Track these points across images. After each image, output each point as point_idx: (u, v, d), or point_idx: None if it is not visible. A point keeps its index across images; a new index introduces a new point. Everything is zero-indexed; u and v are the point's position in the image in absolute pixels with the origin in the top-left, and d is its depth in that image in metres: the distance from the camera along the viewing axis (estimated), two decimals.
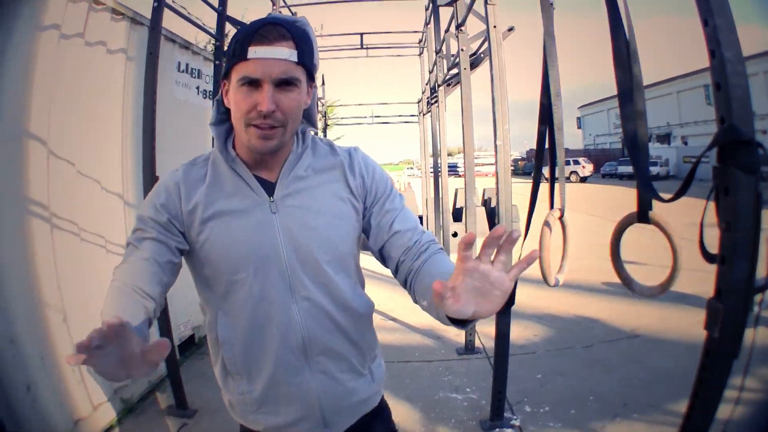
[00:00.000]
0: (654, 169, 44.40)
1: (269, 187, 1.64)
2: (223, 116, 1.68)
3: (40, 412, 3.19)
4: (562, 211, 3.19)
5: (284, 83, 1.51)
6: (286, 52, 1.51)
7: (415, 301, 1.61)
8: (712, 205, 1.91)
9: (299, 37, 1.55)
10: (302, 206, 1.64)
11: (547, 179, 3.42)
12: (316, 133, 1.88)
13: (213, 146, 1.71)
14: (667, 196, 2.29)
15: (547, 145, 3.56)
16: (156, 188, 1.66)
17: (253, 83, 1.49)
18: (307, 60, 1.56)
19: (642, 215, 2.82)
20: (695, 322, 6.18)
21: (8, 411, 2.99)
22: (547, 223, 3.29)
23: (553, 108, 3.07)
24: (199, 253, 1.61)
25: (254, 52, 1.47)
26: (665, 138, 50.16)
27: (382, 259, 1.77)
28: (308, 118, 1.72)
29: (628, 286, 3.04)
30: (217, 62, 5.87)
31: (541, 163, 3.19)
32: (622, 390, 4.94)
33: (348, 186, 1.72)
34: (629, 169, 43.74)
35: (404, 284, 1.67)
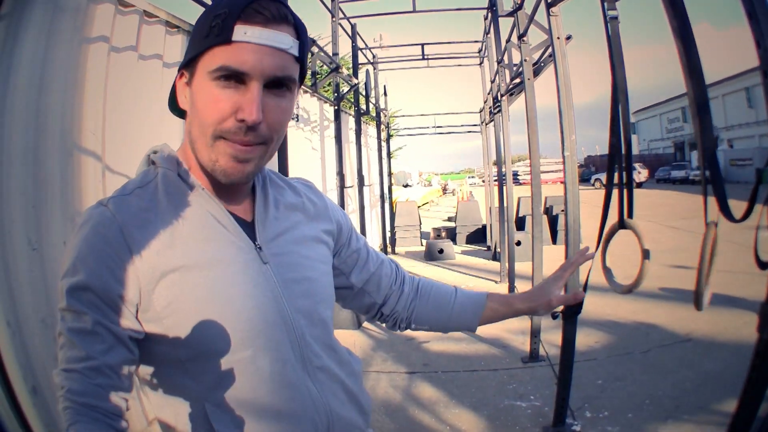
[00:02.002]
0: (677, 174, 43.93)
1: (246, 227, 1.25)
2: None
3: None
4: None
5: (277, 84, 1.12)
6: (287, 40, 1.11)
7: (408, 325, 1.64)
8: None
9: (299, 23, 1.16)
10: (293, 252, 1.30)
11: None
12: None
13: (150, 165, 1.27)
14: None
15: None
16: (83, 239, 1.10)
17: (233, 78, 1.08)
18: (305, 57, 1.19)
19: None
20: (743, 324, 6.63)
21: (53, 428, 2.96)
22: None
23: (622, 122, 3.00)
24: (168, 330, 1.12)
25: (244, 32, 1.07)
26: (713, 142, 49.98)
27: (359, 293, 1.58)
28: None
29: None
30: None
31: (612, 175, 3.14)
32: (675, 393, 5.14)
33: (319, 226, 1.42)
34: (682, 173, 43.82)
35: (396, 312, 1.62)
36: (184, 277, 1.13)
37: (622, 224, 2.92)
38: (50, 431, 2.86)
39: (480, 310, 1.62)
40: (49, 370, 2.94)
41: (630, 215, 2.92)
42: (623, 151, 3.05)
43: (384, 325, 1.69)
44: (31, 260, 2.90)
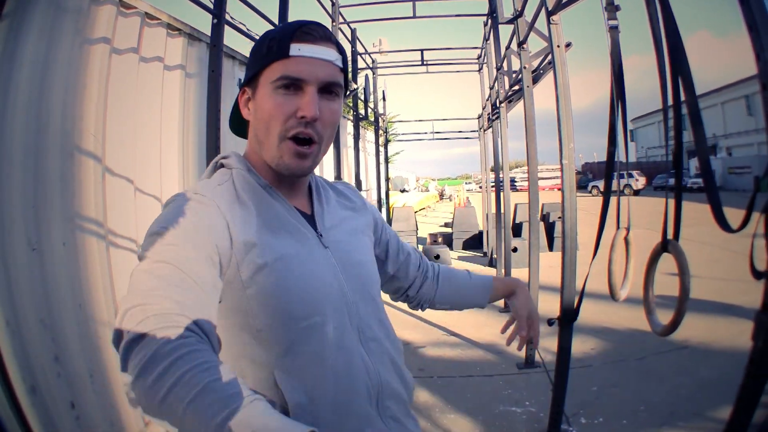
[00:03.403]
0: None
1: (307, 219, 1.44)
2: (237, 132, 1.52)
3: (85, 429, 3.16)
4: (628, 230, 3.12)
5: (328, 89, 1.35)
6: (333, 53, 1.36)
7: (432, 305, 1.94)
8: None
9: (338, 43, 1.41)
10: (346, 240, 1.50)
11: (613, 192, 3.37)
12: None
13: (219, 169, 1.45)
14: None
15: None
16: (183, 207, 1.23)
17: (293, 85, 1.31)
18: (347, 69, 1.42)
19: (665, 245, 2.74)
20: (739, 331, 6.66)
21: (51, 428, 2.96)
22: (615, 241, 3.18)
23: (621, 133, 3.02)
24: (250, 299, 1.25)
25: (298, 49, 1.31)
26: (711, 149, 49.89)
27: (391, 279, 1.85)
28: None
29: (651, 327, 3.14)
30: None
31: (610, 184, 3.15)
32: (670, 399, 5.18)
33: (362, 219, 1.65)
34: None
35: (420, 295, 1.91)
36: (265, 254, 1.28)
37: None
38: (48, 431, 2.87)
39: (488, 291, 1.94)
40: (48, 370, 2.96)
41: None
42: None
43: (408, 305, 1.96)
44: (31, 260, 2.92)
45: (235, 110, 1.50)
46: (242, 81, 1.42)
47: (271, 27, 5.95)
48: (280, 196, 1.41)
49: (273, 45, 1.32)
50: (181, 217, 1.20)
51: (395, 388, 1.48)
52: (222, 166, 1.46)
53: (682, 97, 2.41)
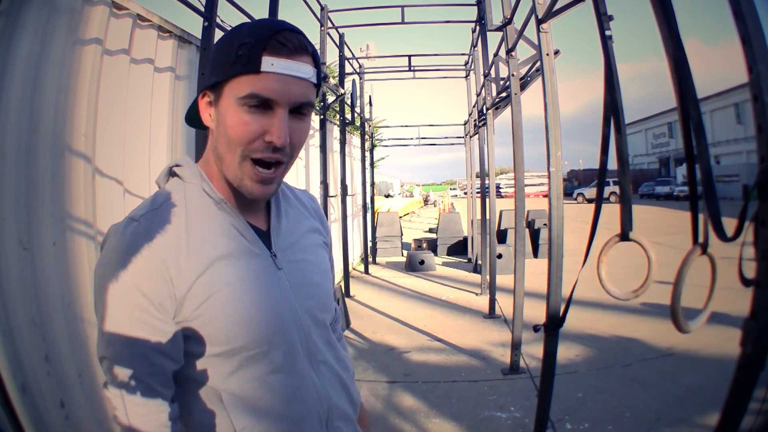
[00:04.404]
0: (662, 189, 44.11)
1: (262, 236, 1.37)
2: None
3: (75, 428, 3.15)
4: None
5: (299, 109, 1.24)
6: (309, 69, 1.24)
7: None
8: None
9: (315, 52, 1.28)
10: (302, 260, 1.43)
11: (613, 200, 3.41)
12: None
13: (172, 177, 1.37)
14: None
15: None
16: (123, 271, 1.17)
17: (261, 104, 1.20)
18: (321, 83, 1.31)
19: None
20: (725, 339, 6.55)
21: (41, 427, 2.95)
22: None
23: (622, 140, 3.06)
24: (197, 330, 1.23)
25: (271, 64, 1.17)
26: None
27: None
28: None
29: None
30: None
31: (602, 192, 3.18)
32: (655, 406, 5.21)
33: (320, 233, 1.58)
34: (666, 188, 44.20)
35: None
36: (212, 283, 1.22)
37: (624, 237, 2.92)
38: (39, 429, 2.86)
39: None
40: (38, 369, 2.95)
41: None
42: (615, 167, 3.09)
43: None
44: (22, 260, 2.91)
45: (194, 107, 1.38)
46: (203, 79, 1.33)
47: None
48: (235, 211, 1.33)
49: (242, 54, 1.18)
50: (119, 290, 1.17)
51: (344, 408, 1.46)
52: (175, 174, 1.37)
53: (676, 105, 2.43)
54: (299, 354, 1.34)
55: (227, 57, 1.21)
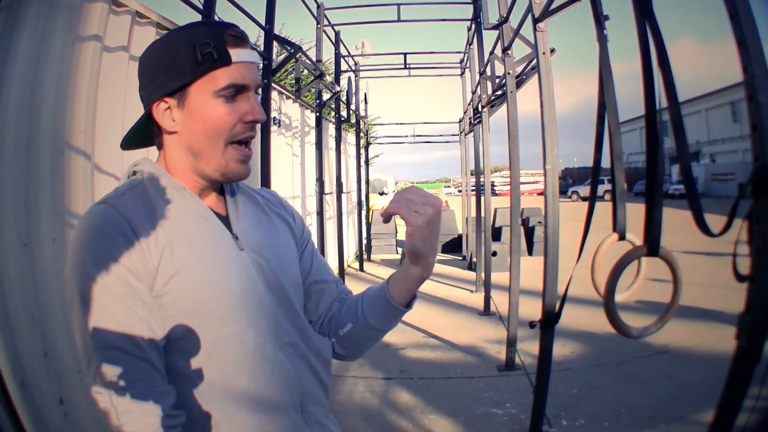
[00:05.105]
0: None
1: (222, 221, 1.40)
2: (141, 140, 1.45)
3: (73, 425, 3.16)
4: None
5: (257, 90, 1.37)
6: (256, 54, 1.39)
7: (332, 333, 1.59)
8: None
9: None
10: (265, 243, 1.45)
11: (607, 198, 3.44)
12: None
13: (128, 175, 1.40)
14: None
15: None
16: (101, 250, 1.20)
17: (236, 92, 1.31)
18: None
19: (652, 249, 2.74)
20: (720, 336, 6.70)
21: (40, 423, 2.96)
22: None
23: (613, 139, 3.07)
24: (167, 307, 1.25)
25: (237, 55, 1.30)
26: (694, 156, 50.28)
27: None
28: None
29: (624, 334, 3.11)
30: (265, 81, 5.73)
31: (596, 190, 3.20)
32: (651, 403, 5.27)
33: (286, 222, 1.60)
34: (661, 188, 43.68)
35: (323, 321, 1.63)
36: (178, 260, 1.26)
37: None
38: (38, 426, 2.87)
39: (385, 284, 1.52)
40: (38, 366, 2.95)
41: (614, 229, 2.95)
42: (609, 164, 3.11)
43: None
44: (21, 256, 2.91)
45: (141, 123, 1.41)
46: (154, 90, 1.33)
47: (258, 28, 5.96)
48: (195, 197, 1.37)
49: (209, 51, 1.27)
50: (100, 265, 1.19)
51: (315, 392, 1.48)
52: (135, 173, 1.40)
53: (665, 105, 2.46)
54: (268, 336, 1.36)
55: (186, 60, 1.28)
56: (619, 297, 2.95)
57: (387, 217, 1.34)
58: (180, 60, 1.28)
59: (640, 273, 3.03)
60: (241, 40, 1.32)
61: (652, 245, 2.69)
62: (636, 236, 3.04)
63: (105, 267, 1.18)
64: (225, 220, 1.41)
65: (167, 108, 1.33)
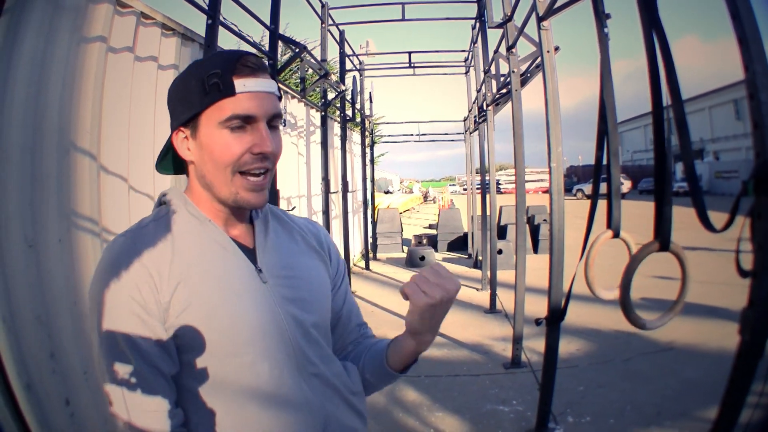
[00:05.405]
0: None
1: (248, 253, 1.41)
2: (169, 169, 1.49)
3: (79, 426, 3.17)
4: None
5: (271, 121, 1.35)
6: (273, 84, 1.35)
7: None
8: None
9: (269, 69, 1.40)
10: (293, 275, 1.46)
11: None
12: None
13: (161, 206, 1.44)
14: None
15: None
16: (114, 281, 1.24)
17: (244, 123, 1.29)
18: (281, 95, 1.41)
19: (664, 245, 2.76)
20: (724, 333, 6.68)
21: (46, 424, 2.96)
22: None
23: (610, 136, 3.07)
24: (180, 335, 1.28)
25: (243, 85, 1.28)
26: (698, 154, 50.11)
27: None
28: None
29: (641, 327, 3.18)
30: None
31: (598, 187, 3.20)
32: (656, 400, 5.30)
33: (320, 254, 1.60)
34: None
35: (347, 354, 1.69)
36: (192, 292, 1.28)
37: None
38: (44, 427, 2.88)
39: (382, 354, 1.59)
40: (44, 367, 2.96)
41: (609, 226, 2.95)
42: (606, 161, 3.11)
43: None
44: (27, 257, 2.91)
45: (167, 150, 1.49)
46: (173, 122, 1.40)
47: (263, 28, 5.98)
48: (218, 228, 1.39)
49: (215, 83, 1.28)
50: (113, 296, 1.24)
51: (344, 420, 1.48)
52: (163, 203, 1.44)
53: (669, 103, 2.46)
54: (287, 366, 1.37)
55: (197, 90, 1.31)
56: (610, 295, 2.97)
57: (404, 296, 1.38)
58: (191, 91, 1.32)
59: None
60: (252, 69, 1.31)
61: (663, 241, 2.71)
62: (629, 234, 3.06)
63: (116, 300, 1.23)
64: (251, 251, 1.42)
65: (184, 137, 1.37)
